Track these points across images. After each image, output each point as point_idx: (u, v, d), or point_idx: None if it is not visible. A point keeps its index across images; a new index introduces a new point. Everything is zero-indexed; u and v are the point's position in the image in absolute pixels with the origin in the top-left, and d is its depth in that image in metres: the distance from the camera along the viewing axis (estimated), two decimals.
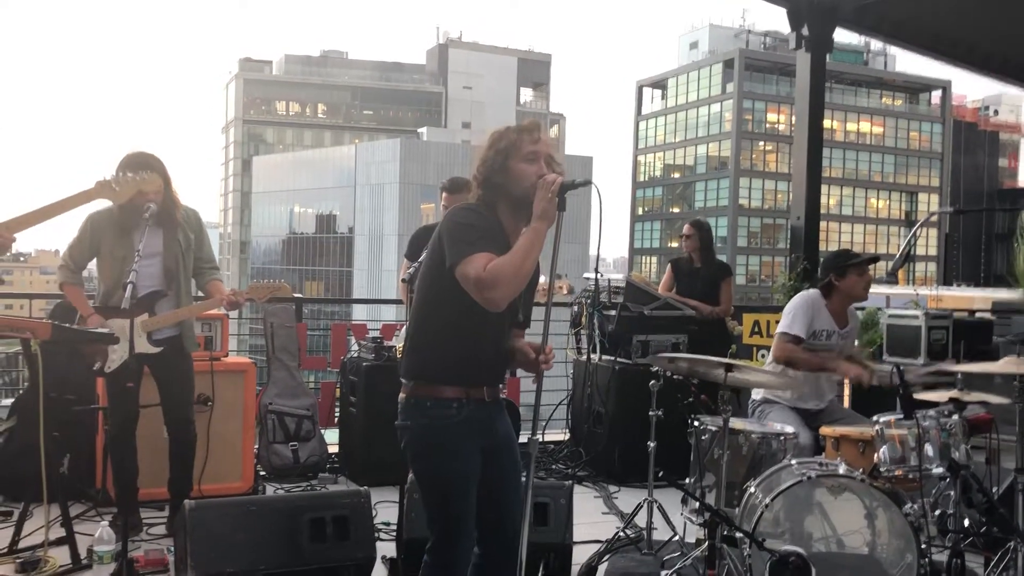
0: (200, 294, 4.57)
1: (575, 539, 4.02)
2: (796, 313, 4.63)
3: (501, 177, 2.68)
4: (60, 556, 3.90)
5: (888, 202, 67.52)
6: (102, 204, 4.14)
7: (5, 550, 3.97)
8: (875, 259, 4.82)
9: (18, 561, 3.83)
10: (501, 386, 2.77)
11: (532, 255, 2.55)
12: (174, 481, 4.41)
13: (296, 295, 4.94)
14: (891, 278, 4.25)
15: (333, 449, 5.90)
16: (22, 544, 4.01)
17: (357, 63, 79.06)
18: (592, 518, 4.96)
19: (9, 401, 5.51)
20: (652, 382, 4.44)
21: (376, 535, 3.91)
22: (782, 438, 3.98)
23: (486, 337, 2.64)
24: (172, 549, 3.82)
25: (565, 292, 5.20)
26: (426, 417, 2.64)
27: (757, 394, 4.76)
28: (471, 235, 2.57)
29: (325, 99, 76.37)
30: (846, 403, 5.72)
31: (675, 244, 57.65)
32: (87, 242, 4.23)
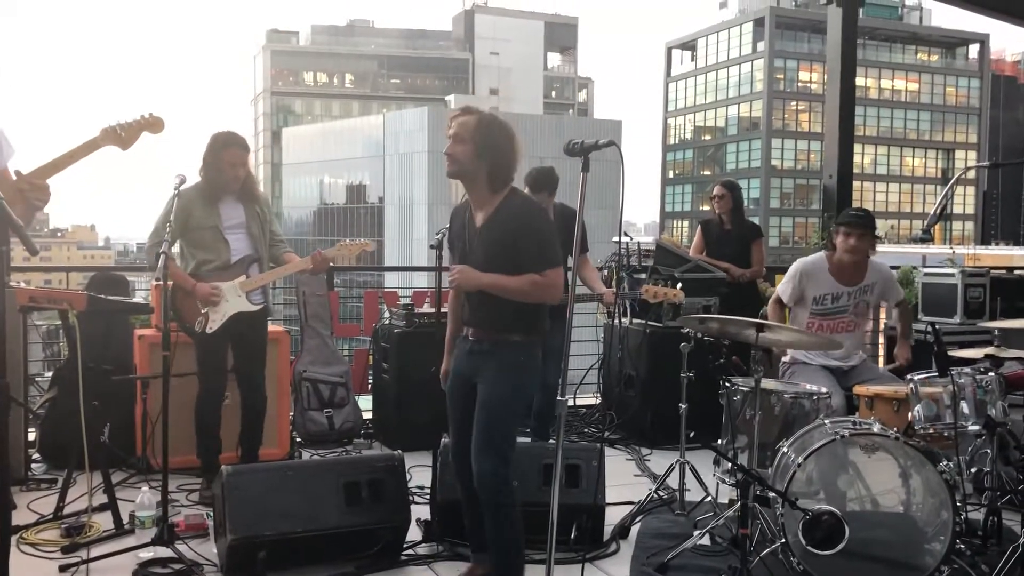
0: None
1: (607, 501, 4.05)
2: (786, 278, 4.80)
3: None
4: (103, 521, 4.00)
5: (924, 160, 66.26)
6: (188, 182, 4.23)
7: (51, 516, 4.08)
8: (863, 225, 4.57)
9: (64, 526, 3.93)
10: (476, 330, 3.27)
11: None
12: (245, 438, 4.62)
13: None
14: (926, 235, 4.17)
15: (367, 415, 5.96)
16: (67, 510, 4.11)
17: (383, 31, 78.67)
18: (624, 480, 4.98)
19: (51, 373, 5.63)
20: (683, 344, 4.42)
21: (411, 498, 3.96)
22: (815, 398, 3.96)
23: (464, 295, 3.34)
24: (211, 514, 3.89)
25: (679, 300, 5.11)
26: None
27: (787, 355, 4.74)
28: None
29: (352, 69, 76.18)
30: (880, 363, 5.67)
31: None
32: (177, 215, 4.27)
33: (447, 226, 4.04)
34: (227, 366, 4.55)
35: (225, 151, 4.39)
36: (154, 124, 3.18)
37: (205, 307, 4.37)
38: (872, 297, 4.70)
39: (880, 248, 4.84)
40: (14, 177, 2.75)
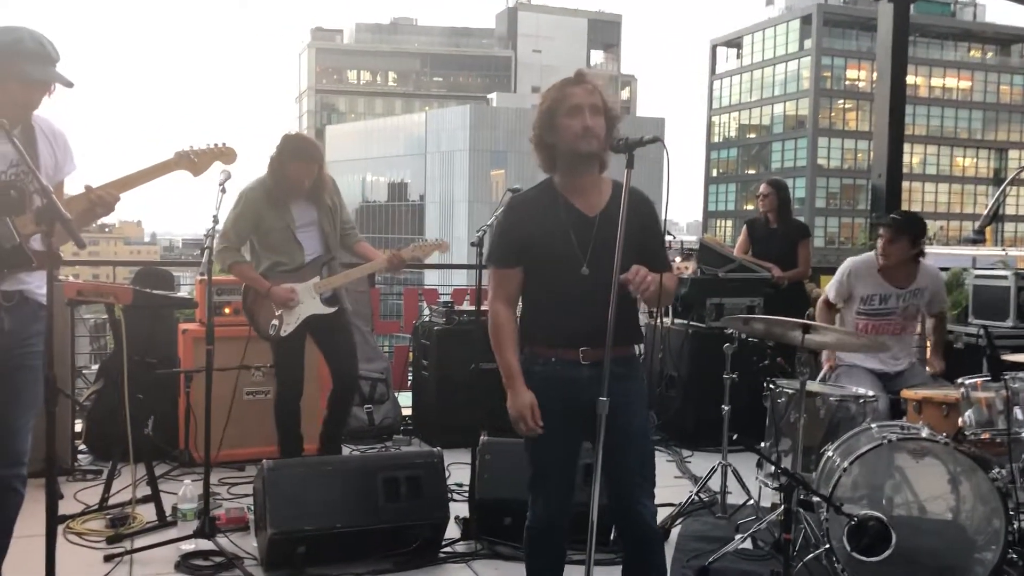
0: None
1: None
2: (834, 277, 4.74)
3: (551, 136, 2.71)
4: (147, 513, 4.06)
5: (976, 160, 64.88)
6: (252, 180, 4.31)
7: (96, 507, 4.15)
8: (894, 227, 4.50)
9: (108, 517, 3.99)
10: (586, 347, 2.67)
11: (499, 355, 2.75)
12: (328, 427, 4.57)
13: None
14: (978, 236, 4.07)
15: (407, 412, 5.98)
16: (111, 501, 4.18)
17: (426, 29, 79.14)
18: (665, 481, 4.92)
19: (97, 366, 5.73)
20: (726, 345, 4.36)
21: (449, 495, 3.95)
22: (861, 401, 3.88)
23: (567, 303, 2.68)
24: (252, 507, 3.92)
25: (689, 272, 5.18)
26: (525, 367, 2.75)
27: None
28: (494, 247, 2.79)
29: (395, 67, 76.73)
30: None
31: (751, 206, 56.54)
32: (248, 218, 4.28)
33: (489, 223, 4.03)
34: (303, 365, 4.48)
35: (292, 164, 4.26)
36: (227, 154, 3.26)
37: (280, 309, 4.31)
38: (923, 301, 4.61)
39: (930, 250, 4.75)
40: (71, 191, 2.82)
